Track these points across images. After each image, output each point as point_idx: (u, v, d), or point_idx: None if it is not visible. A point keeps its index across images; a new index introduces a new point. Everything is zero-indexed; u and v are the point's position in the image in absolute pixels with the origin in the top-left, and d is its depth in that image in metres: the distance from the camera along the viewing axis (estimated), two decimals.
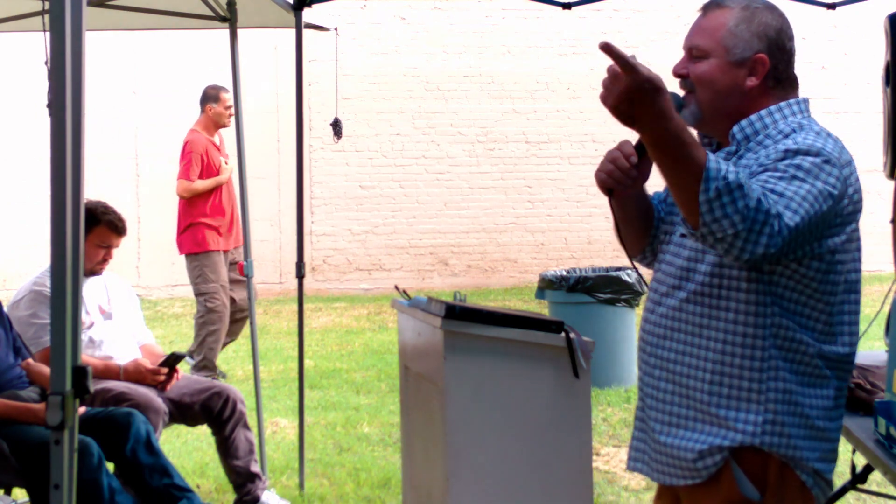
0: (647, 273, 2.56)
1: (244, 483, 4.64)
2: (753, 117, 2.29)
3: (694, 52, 2.33)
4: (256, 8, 5.17)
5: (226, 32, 5.29)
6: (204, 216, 7.59)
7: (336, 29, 5.94)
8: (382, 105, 12.93)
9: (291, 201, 11.22)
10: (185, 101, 12.60)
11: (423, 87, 12.99)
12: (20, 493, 4.34)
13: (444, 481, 2.57)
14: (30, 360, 4.26)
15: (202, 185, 7.57)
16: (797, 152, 2.14)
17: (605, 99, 2.04)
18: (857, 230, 2.28)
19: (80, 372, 2.33)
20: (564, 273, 7.30)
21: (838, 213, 2.19)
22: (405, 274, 12.90)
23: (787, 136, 2.24)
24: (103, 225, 4.43)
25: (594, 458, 5.46)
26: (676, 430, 2.30)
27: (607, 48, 1.99)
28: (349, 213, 12.96)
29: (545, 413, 2.59)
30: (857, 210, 2.26)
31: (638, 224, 2.45)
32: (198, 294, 7.57)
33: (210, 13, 5.24)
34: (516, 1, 12.58)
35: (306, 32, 5.25)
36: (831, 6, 5.32)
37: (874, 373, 3.25)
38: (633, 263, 2.52)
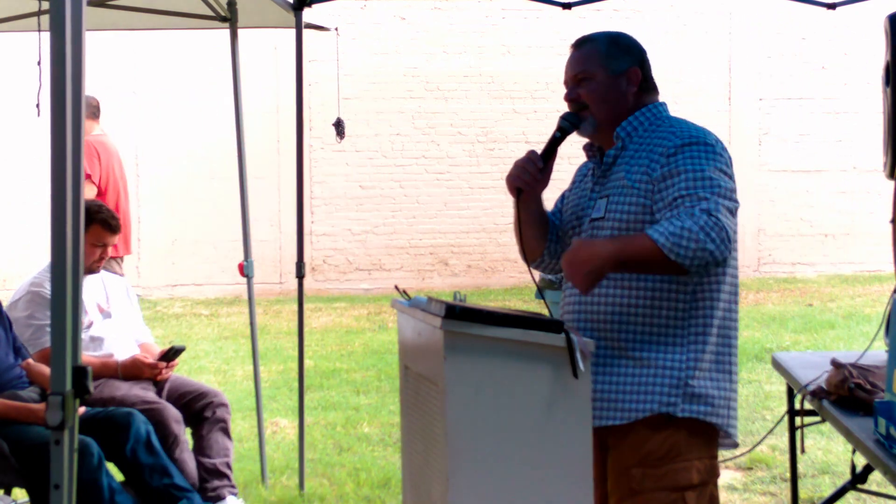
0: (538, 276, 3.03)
1: (211, 479, 4.53)
2: (631, 118, 2.83)
3: (579, 76, 2.87)
4: (256, 8, 5.17)
5: (226, 32, 5.29)
6: None
7: (336, 29, 5.94)
8: (382, 105, 12.92)
9: (291, 201, 11.21)
10: (185, 101, 12.62)
11: (423, 87, 12.99)
12: (20, 493, 4.34)
13: (444, 481, 2.57)
14: (30, 360, 4.26)
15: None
16: (686, 145, 2.67)
17: (584, 287, 2.59)
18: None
19: (80, 372, 2.33)
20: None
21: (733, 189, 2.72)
22: (405, 274, 12.89)
23: (659, 128, 2.77)
24: (97, 223, 4.43)
25: None
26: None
27: None
28: (349, 213, 12.96)
29: (545, 413, 2.59)
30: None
31: (537, 229, 2.95)
32: None
33: (210, 13, 5.25)
34: (516, 1, 12.58)
35: (306, 32, 5.25)
36: (831, 6, 5.32)
37: (874, 373, 3.25)
38: (529, 268, 3.03)
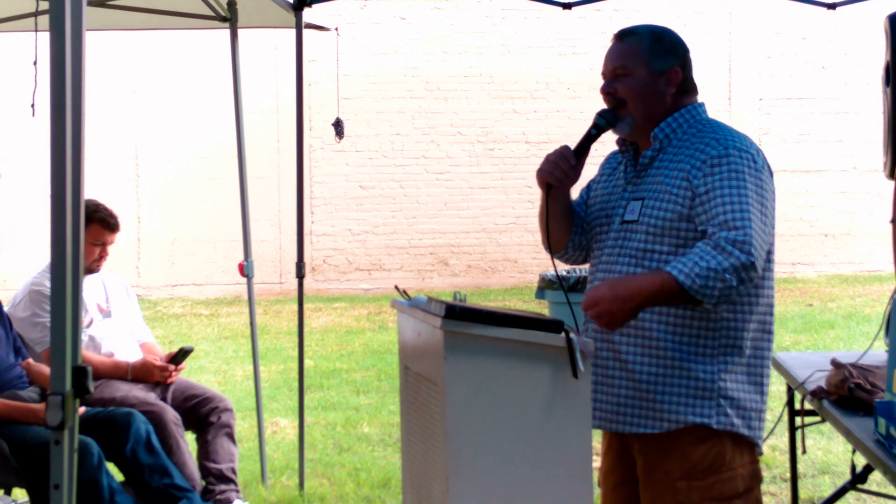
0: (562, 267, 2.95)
1: (218, 483, 4.54)
2: (669, 119, 2.77)
3: (618, 71, 2.77)
4: (256, 8, 5.16)
5: (226, 32, 5.29)
6: None
7: (336, 29, 5.93)
8: (382, 105, 12.93)
9: (291, 201, 11.21)
10: (185, 101, 12.62)
11: (423, 87, 12.99)
12: (20, 493, 4.34)
13: (444, 481, 2.57)
14: (30, 360, 4.26)
15: None
16: (726, 156, 2.63)
17: (610, 328, 2.61)
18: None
19: (80, 372, 2.33)
20: (564, 273, 7.30)
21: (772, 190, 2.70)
22: (405, 274, 12.90)
23: (699, 131, 2.73)
24: (95, 222, 4.42)
25: (594, 458, 5.46)
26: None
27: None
28: (349, 213, 12.96)
29: (545, 413, 2.59)
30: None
31: (564, 222, 2.90)
32: None
33: (210, 13, 5.24)
34: (516, 1, 12.59)
35: (306, 32, 5.24)
36: (831, 6, 5.32)
37: (874, 373, 3.25)
38: (552, 259, 2.96)
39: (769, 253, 2.63)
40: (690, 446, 2.68)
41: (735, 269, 2.49)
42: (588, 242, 2.92)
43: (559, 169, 2.77)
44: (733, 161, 2.62)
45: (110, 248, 4.60)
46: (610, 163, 2.97)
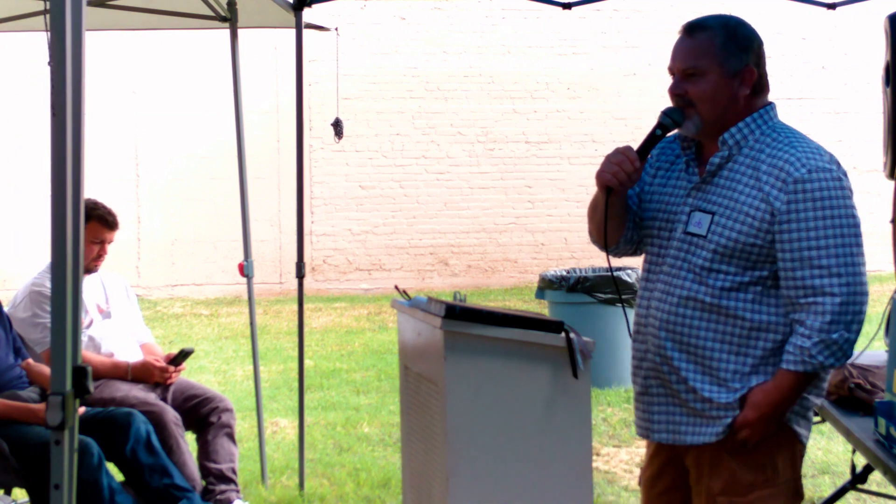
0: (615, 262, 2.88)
1: (218, 483, 4.54)
2: (741, 124, 2.59)
3: (689, 72, 2.58)
4: (256, 8, 5.16)
5: (226, 32, 5.29)
6: None
7: (336, 29, 5.93)
8: (382, 105, 12.92)
9: (291, 201, 11.21)
10: (185, 101, 12.61)
11: (423, 87, 12.99)
12: (20, 493, 4.34)
13: (444, 481, 2.57)
14: (30, 360, 4.26)
15: None
16: (810, 181, 2.51)
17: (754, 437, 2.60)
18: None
19: (80, 372, 2.33)
20: (564, 273, 7.30)
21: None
22: (405, 274, 12.89)
23: (774, 140, 2.58)
24: (94, 220, 4.41)
25: (594, 458, 5.46)
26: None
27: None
28: (349, 213, 12.96)
29: (545, 413, 2.59)
30: None
31: (619, 220, 2.75)
32: None
33: (210, 13, 5.24)
34: (516, 1, 12.58)
35: (306, 32, 5.24)
36: (831, 6, 5.32)
37: (874, 373, 3.25)
38: (607, 255, 2.81)
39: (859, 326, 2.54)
40: (733, 461, 2.62)
41: (830, 349, 2.48)
42: (640, 237, 2.80)
43: (622, 172, 2.60)
44: (820, 187, 2.52)
45: (110, 248, 4.59)
46: (667, 155, 2.80)
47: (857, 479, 3.94)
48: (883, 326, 3.48)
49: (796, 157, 2.54)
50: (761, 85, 2.63)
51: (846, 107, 13.32)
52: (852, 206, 2.53)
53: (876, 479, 4.19)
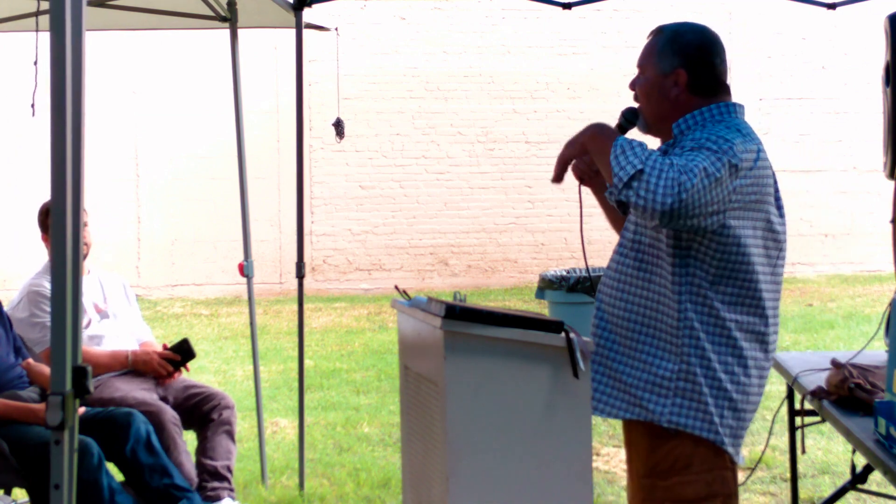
0: None
1: (211, 480, 4.52)
2: (687, 116, 2.71)
3: (639, 69, 2.80)
4: (256, 8, 5.16)
5: (226, 32, 5.29)
6: None
7: (336, 29, 5.93)
8: (382, 105, 12.93)
9: (291, 201, 11.22)
10: (185, 101, 12.62)
11: (423, 87, 12.99)
12: (20, 493, 4.34)
13: (444, 481, 2.57)
14: (30, 360, 4.26)
15: None
16: (704, 138, 2.55)
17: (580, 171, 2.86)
18: (768, 227, 2.75)
19: (80, 372, 2.33)
20: (564, 273, 7.30)
21: (738, 191, 2.53)
22: (405, 274, 12.90)
23: (714, 126, 2.64)
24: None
25: (594, 458, 5.46)
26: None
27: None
28: (349, 213, 12.96)
29: (545, 413, 2.59)
30: (761, 200, 2.66)
31: (614, 213, 2.95)
32: None
33: (210, 13, 5.25)
34: (516, 1, 12.59)
35: (306, 32, 5.24)
36: (831, 6, 5.32)
37: (874, 373, 3.25)
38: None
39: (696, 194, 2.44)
40: (655, 444, 2.66)
41: (651, 159, 2.42)
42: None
43: (579, 166, 2.89)
44: (706, 140, 2.53)
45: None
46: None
47: (857, 479, 3.94)
48: (883, 326, 3.47)
49: (710, 130, 2.61)
50: (701, 87, 2.72)
51: (846, 107, 13.32)
52: (730, 154, 2.48)
53: (876, 479, 4.19)
